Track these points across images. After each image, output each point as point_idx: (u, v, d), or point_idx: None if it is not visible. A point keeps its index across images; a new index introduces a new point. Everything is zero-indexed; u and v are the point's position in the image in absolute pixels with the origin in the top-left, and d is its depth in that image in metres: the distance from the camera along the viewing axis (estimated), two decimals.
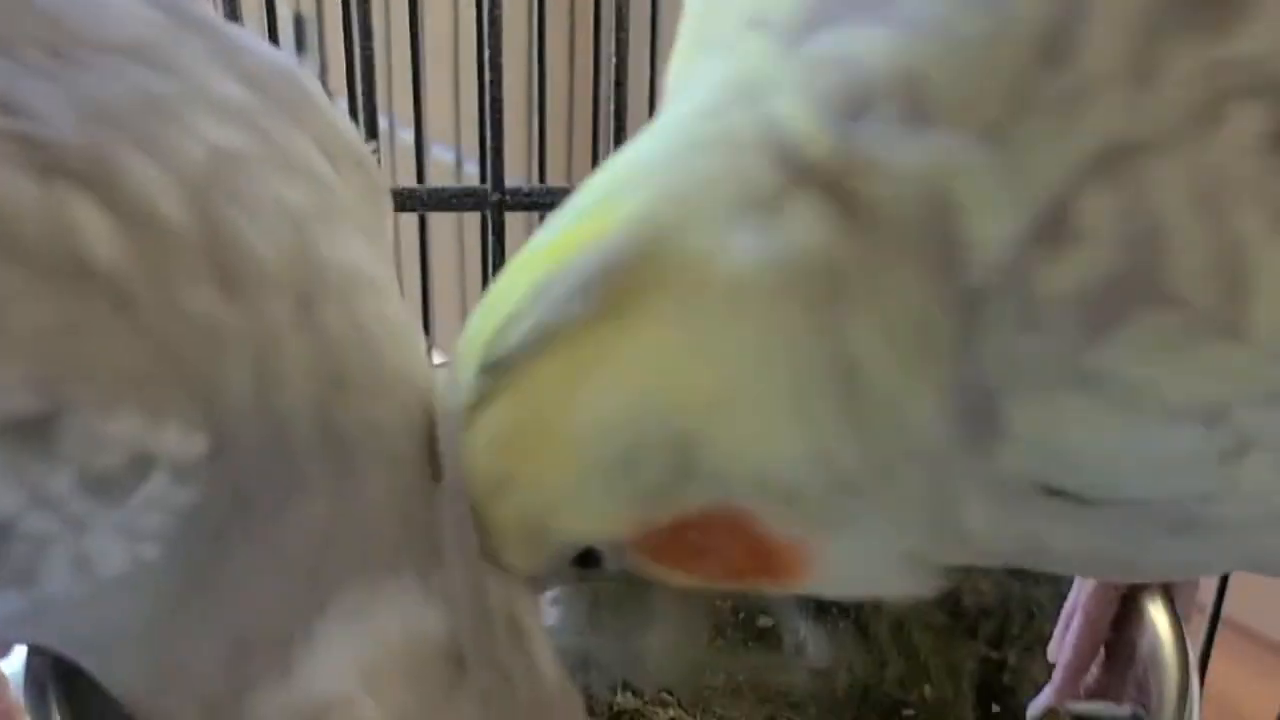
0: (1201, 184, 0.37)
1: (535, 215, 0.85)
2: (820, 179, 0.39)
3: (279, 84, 0.44)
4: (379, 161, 0.67)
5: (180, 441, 0.38)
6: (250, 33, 0.46)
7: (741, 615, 0.65)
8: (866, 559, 0.43)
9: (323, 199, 0.43)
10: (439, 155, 1.39)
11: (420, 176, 0.93)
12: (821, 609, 0.64)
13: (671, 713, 0.64)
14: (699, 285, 0.40)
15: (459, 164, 1.39)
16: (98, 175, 0.38)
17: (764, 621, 0.66)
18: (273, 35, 0.87)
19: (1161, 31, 0.37)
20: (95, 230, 0.38)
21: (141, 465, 0.38)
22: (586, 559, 0.44)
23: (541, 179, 1.00)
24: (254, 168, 0.41)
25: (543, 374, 0.41)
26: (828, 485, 0.40)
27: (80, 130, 0.38)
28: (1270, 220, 0.36)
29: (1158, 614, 0.53)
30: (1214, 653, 0.74)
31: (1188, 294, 0.37)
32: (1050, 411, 0.38)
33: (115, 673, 0.45)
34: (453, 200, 0.69)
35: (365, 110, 0.63)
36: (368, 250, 0.44)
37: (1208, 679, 0.74)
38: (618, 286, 0.40)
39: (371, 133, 0.63)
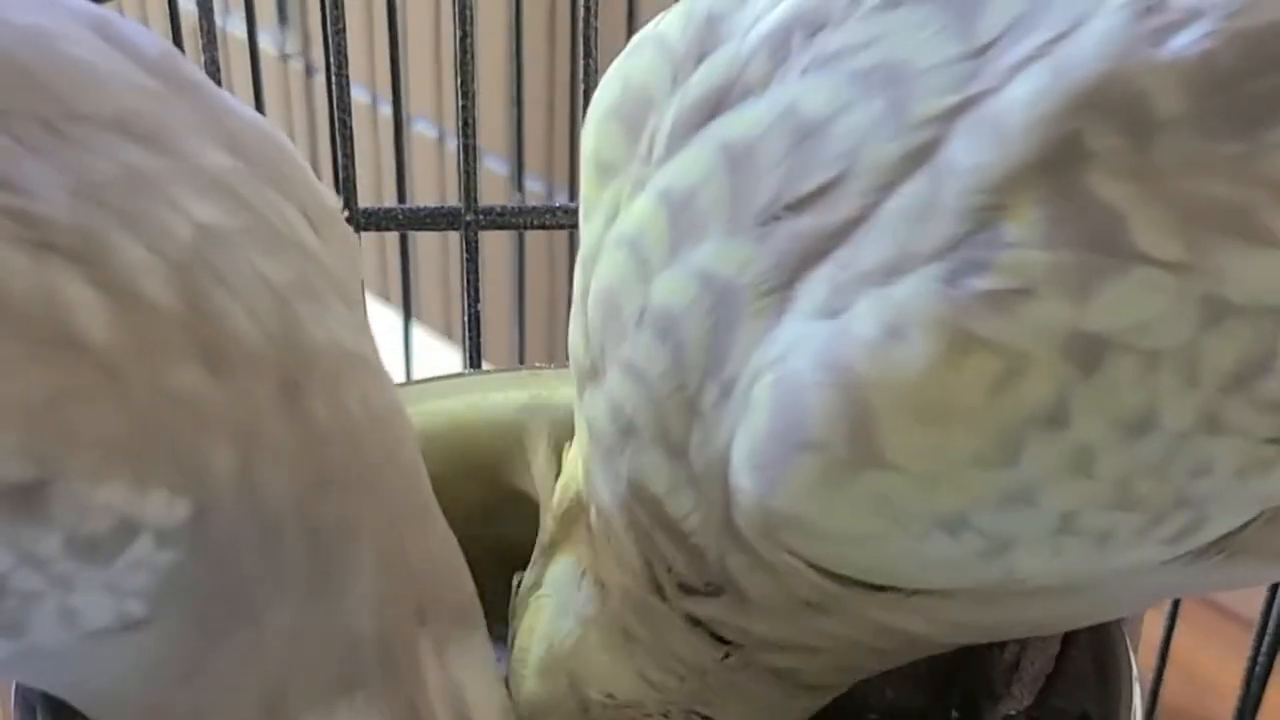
0: (831, 359, 0.41)
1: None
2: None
3: (262, 149, 0.45)
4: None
5: (164, 508, 0.39)
6: (230, 95, 0.47)
7: None
8: None
9: (308, 271, 0.43)
10: (421, 130, 1.40)
11: (399, 149, 0.94)
12: None
13: None
14: None
15: (441, 139, 1.40)
16: (88, 253, 0.39)
17: None
18: (249, 10, 0.88)
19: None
20: (85, 307, 0.38)
21: (127, 530, 0.39)
22: None
23: (519, 163, 1.01)
24: (240, 245, 0.41)
25: None
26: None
27: (72, 208, 0.39)
28: (919, 359, 0.40)
29: (1104, 633, 0.53)
30: (1181, 626, 0.74)
31: (824, 439, 0.41)
32: (804, 536, 0.44)
33: (101, 714, 0.46)
34: (428, 220, 0.70)
35: (336, 77, 0.63)
36: (352, 321, 0.44)
37: (1175, 651, 0.75)
38: None
39: (344, 103, 0.63)
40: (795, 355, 0.42)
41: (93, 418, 0.38)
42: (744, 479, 0.43)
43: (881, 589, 0.45)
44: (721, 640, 0.49)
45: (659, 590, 0.49)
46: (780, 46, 0.44)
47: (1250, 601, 0.68)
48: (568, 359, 0.51)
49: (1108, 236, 0.39)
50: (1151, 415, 0.40)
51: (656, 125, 0.46)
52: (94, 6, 0.45)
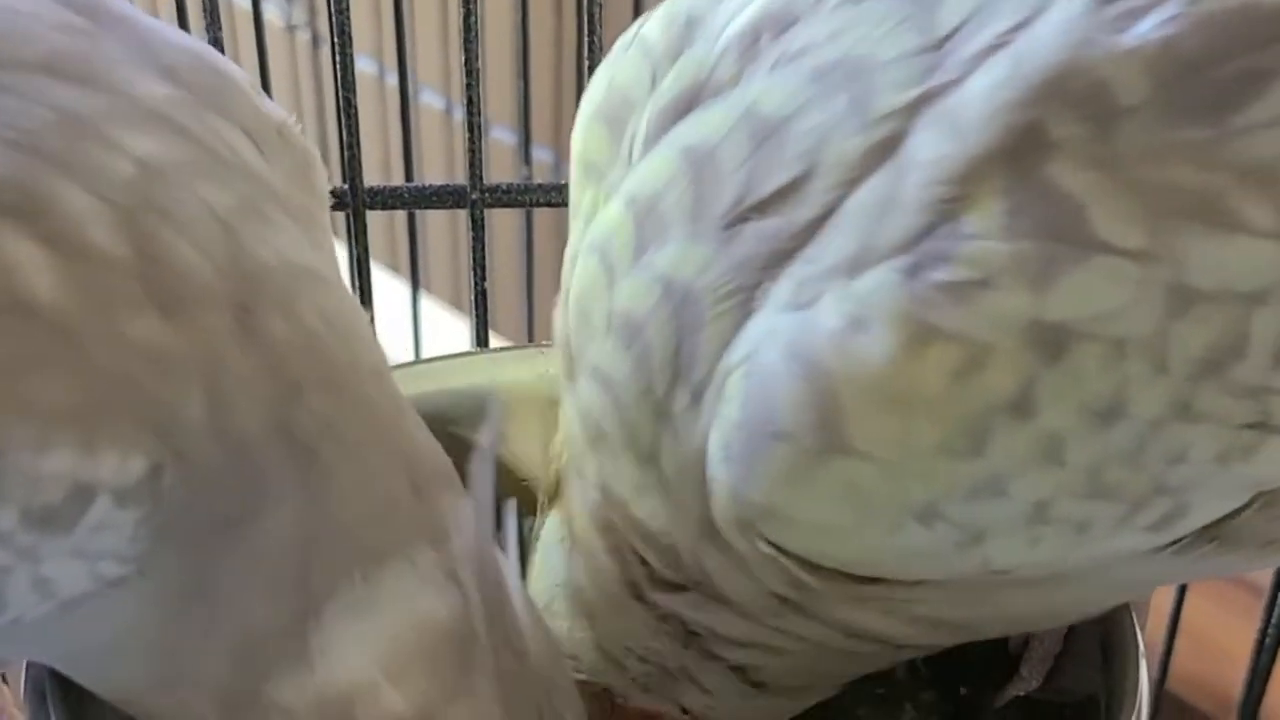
0: (798, 350, 0.41)
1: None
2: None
3: (199, 74, 0.44)
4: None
5: (117, 469, 0.38)
6: (164, 22, 0.46)
7: None
8: None
9: (253, 193, 0.43)
10: (429, 101, 1.40)
11: (405, 123, 0.93)
12: None
13: None
14: None
15: (449, 110, 1.39)
16: (28, 207, 0.38)
17: None
18: None
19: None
20: (29, 266, 0.38)
21: (82, 495, 0.38)
22: None
23: (526, 135, 1.00)
24: (182, 175, 0.41)
25: None
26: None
27: (6, 161, 0.38)
28: (882, 351, 0.40)
29: (1112, 610, 0.53)
30: (1192, 593, 0.74)
31: (793, 428, 0.41)
32: (779, 527, 0.44)
33: (111, 680, 0.46)
34: (434, 198, 0.70)
35: (341, 55, 0.63)
36: (302, 237, 0.44)
37: (1187, 618, 0.75)
38: None
39: (348, 81, 0.63)
40: (764, 347, 0.42)
41: (40, 385, 0.37)
42: (719, 471, 0.43)
43: (862, 581, 0.45)
44: (687, 632, 0.50)
45: (630, 582, 0.49)
46: (749, 46, 0.44)
47: (1263, 570, 0.68)
48: None
49: (1068, 226, 0.39)
50: (1120, 403, 0.40)
51: (635, 128, 0.46)
52: None
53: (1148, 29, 0.39)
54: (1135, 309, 0.39)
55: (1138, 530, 0.43)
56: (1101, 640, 0.52)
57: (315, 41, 1.41)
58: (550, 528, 0.51)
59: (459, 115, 1.34)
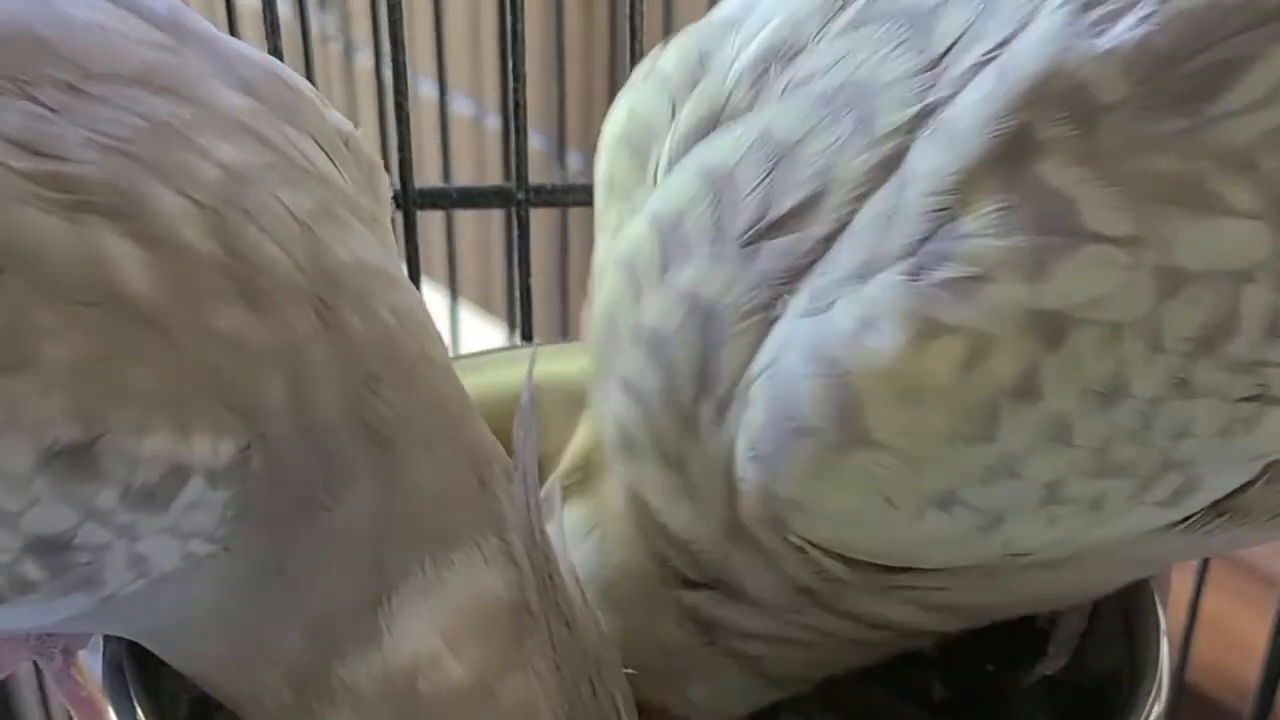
0: (815, 351, 0.44)
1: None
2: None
3: (274, 88, 0.46)
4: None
5: (210, 451, 0.41)
6: (238, 40, 0.48)
7: None
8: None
9: (329, 197, 0.45)
10: (459, 107, 1.42)
11: (444, 130, 0.96)
12: None
13: None
14: None
15: (480, 116, 1.41)
16: (123, 207, 0.41)
17: None
18: None
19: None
20: (126, 262, 0.40)
21: (177, 475, 0.41)
22: None
23: (561, 138, 1.03)
24: (264, 179, 0.43)
25: None
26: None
27: (103, 164, 0.41)
28: (891, 347, 0.43)
29: (1134, 591, 0.54)
30: (1209, 586, 0.76)
31: (815, 424, 0.44)
32: (807, 519, 0.46)
33: (190, 656, 0.48)
34: (479, 199, 0.72)
35: (394, 63, 0.65)
36: (373, 239, 0.46)
37: (1204, 610, 0.77)
38: None
39: (400, 88, 0.65)
40: (785, 353, 0.44)
41: (136, 373, 0.40)
42: (746, 471, 0.46)
43: (887, 570, 0.47)
44: (708, 627, 0.52)
45: (655, 578, 0.51)
46: (760, 75, 0.47)
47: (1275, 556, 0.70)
48: None
49: (1059, 219, 0.42)
50: (1121, 383, 0.42)
51: (659, 152, 0.49)
52: None
53: (1123, 30, 0.42)
54: (1127, 293, 0.42)
55: (1150, 506, 0.45)
56: (1124, 619, 0.54)
57: (348, 51, 1.43)
58: (577, 520, 0.53)
59: (489, 122, 1.37)
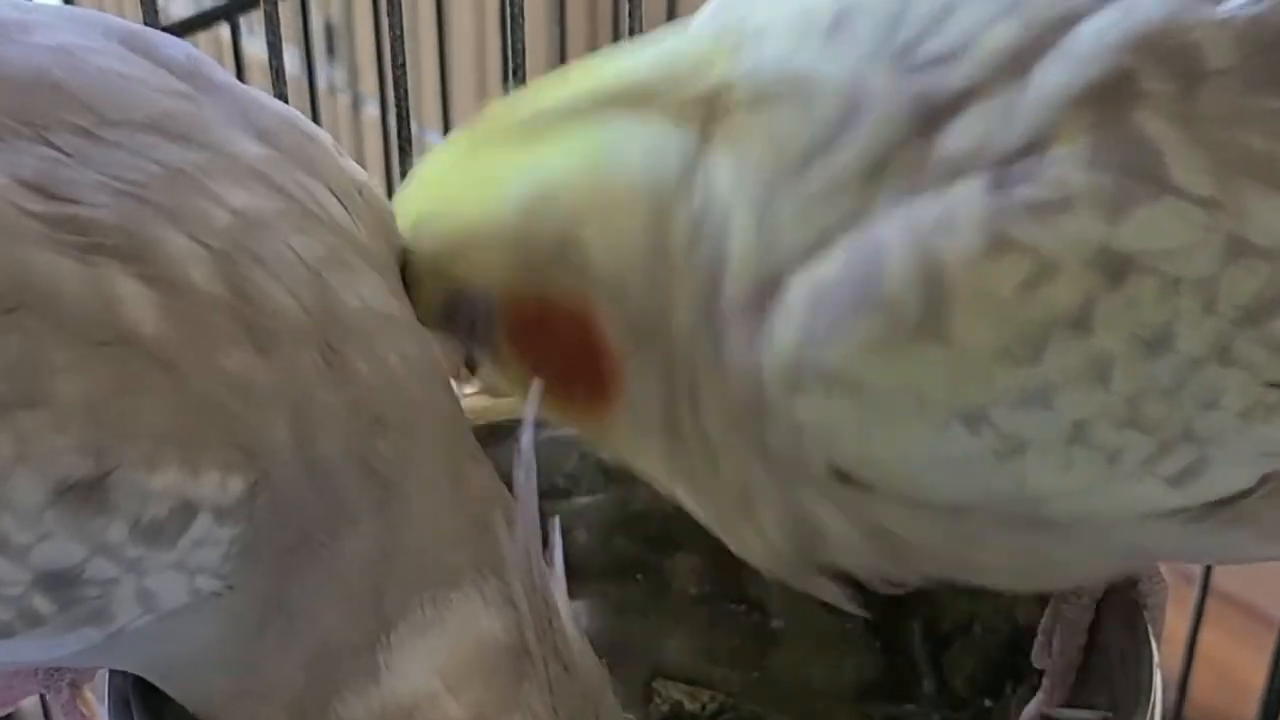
0: (908, 233, 0.45)
1: None
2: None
3: (291, 136, 0.48)
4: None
5: (218, 488, 0.42)
6: (259, 90, 0.50)
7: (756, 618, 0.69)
8: (644, 428, 0.52)
9: (340, 243, 0.46)
10: None
11: None
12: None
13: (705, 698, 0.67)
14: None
15: None
16: (135, 250, 0.42)
17: (776, 624, 0.69)
18: (307, 42, 0.91)
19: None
20: (136, 302, 0.41)
21: (185, 511, 0.42)
22: (462, 319, 0.52)
23: None
24: (275, 225, 0.44)
25: (496, 144, 0.52)
26: (645, 298, 0.49)
27: (116, 208, 0.42)
28: (967, 250, 0.44)
29: (1128, 621, 0.56)
30: (1208, 624, 0.77)
31: (896, 301, 0.44)
32: (824, 412, 0.46)
33: (193, 690, 0.49)
34: None
35: (398, 115, 0.66)
36: (384, 285, 0.47)
37: (1202, 649, 0.78)
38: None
39: (404, 137, 0.67)
40: (879, 223, 0.45)
41: (146, 409, 0.41)
42: (799, 318, 0.46)
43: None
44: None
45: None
46: None
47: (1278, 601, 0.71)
48: None
49: (1145, 167, 0.43)
50: (1168, 336, 0.44)
51: None
52: (125, 23, 0.48)
53: (1238, 5, 0.44)
54: (1196, 251, 0.44)
55: (1158, 480, 0.46)
56: (1119, 654, 0.55)
57: (356, 103, 1.45)
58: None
59: None
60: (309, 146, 0.48)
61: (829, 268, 0.46)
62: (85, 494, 0.41)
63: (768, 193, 0.47)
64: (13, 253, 0.40)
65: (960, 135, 0.45)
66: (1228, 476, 0.47)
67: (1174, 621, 0.75)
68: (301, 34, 0.90)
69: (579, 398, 0.51)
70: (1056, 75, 0.45)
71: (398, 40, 0.66)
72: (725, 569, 0.64)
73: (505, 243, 0.50)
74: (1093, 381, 0.44)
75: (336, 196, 0.47)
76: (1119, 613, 0.56)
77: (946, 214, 0.44)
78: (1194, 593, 0.75)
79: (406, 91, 0.65)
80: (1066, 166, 0.44)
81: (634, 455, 0.53)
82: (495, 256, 0.51)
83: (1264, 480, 0.47)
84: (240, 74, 0.80)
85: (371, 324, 0.45)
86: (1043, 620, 0.58)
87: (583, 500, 0.65)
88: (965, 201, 0.44)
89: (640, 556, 0.66)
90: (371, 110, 1.36)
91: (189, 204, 0.43)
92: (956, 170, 0.45)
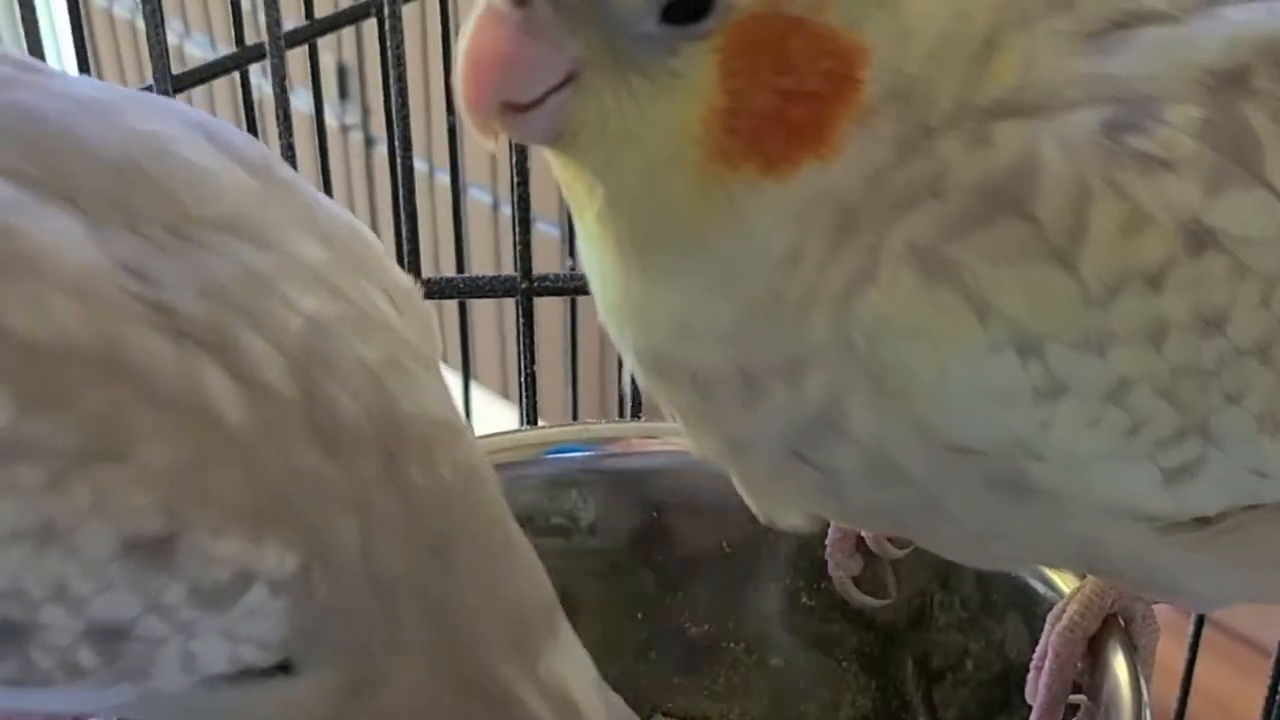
0: (1075, 144, 0.46)
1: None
2: None
3: (348, 240, 0.49)
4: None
5: (277, 561, 0.43)
6: (312, 187, 0.51)
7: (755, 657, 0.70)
8: (814, 203, 0.47)
9: (395, 348, 0.48)
10: (476, 197, 1.45)
11: (458, 219, 0.99)
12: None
13: None
14: None
15: (495, 206, 1.45)
16: (220, 344, 0.44)
17: (775, 662, 0.70)
18: (316, 85, 0.93)
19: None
20: (222, 391, 0.43)
21: (244, 579, 0.43)
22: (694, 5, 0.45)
23: (570, 229, 1.05)
24: (339, 332, 0.46)
25: None
26: (920, 68, 0.46)
27: (202, 304, 0.44)
28: (1114, 184, 0.45)
29: (1117, 660, 0.57)
30: (1205, 654, 0.77)
31: (1042, 216, 0.45)
32: (895, 289, 0.46)
33: None
34: (486, 288, 0.75)
35: (402, 162, 0.68)
36: (435, 387, 0.49)
37: (1198, 679, 0.78)
38: None
39: (408, 176, 0.68)
40: (1047, 124, 0.46)
41: (221, 482, 0.43)
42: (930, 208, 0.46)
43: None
44: None
45: None
46: None
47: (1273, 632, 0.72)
48: (618, 414, 0.54)
49: (1247, 156, 0.46)
50: (1223, 319, 0.46)
51: None
52: (198, 112, 0.50)
53: None
54: (1269, 248, 0.46)
55: (1155, 472, 0.48)
56: (1110, 693, 0.56)
57: (368, 142, 1.47)
58: None
59: (505, 210, 1.40)
60: (364, 250, 0.50)
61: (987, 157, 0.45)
62: (152, 552, 0.42)
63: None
64: (113, 325, 0.42)
65: (1118, 56, 0.46)
66: (1210, 491, 0.48)
67: (1171, 652, 0.76)
68: (310, 76, 0.92)
69: (777, 139, 0.46)
70: (1204, 43, 0.47)
71: (402, 88, 0.68)
72: (725, 608, 0.66)
73: None
74: (1148, 341, 0.46)
75: (390, 298, 0.49)
76: (1110, 650, 0.57)
77: (1066, 146, 0.45)
78: (1191, 624, 0.76)
79: (409, 140, 0.67)
80: (1177, 129, 0.45)
81: (747, 234, 0.47)
82: None
83: (1224, 515, 0.49)
84: (251, 119, 0.82)
85: (427, 431, 0.47)
86: (1034, 655, 0.59)
87: (582, 539, 0.67)
88: (1082, 134, 0.45)
89: (641, 595, 0.68)
90: (382, 150, 1.38)
91: (264, 307, 0.45)
92: (1088, 91, 0.46)
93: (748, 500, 0.54)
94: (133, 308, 0.43)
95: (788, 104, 0.45)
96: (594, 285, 0.51)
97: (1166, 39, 0.47)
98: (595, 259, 0.50)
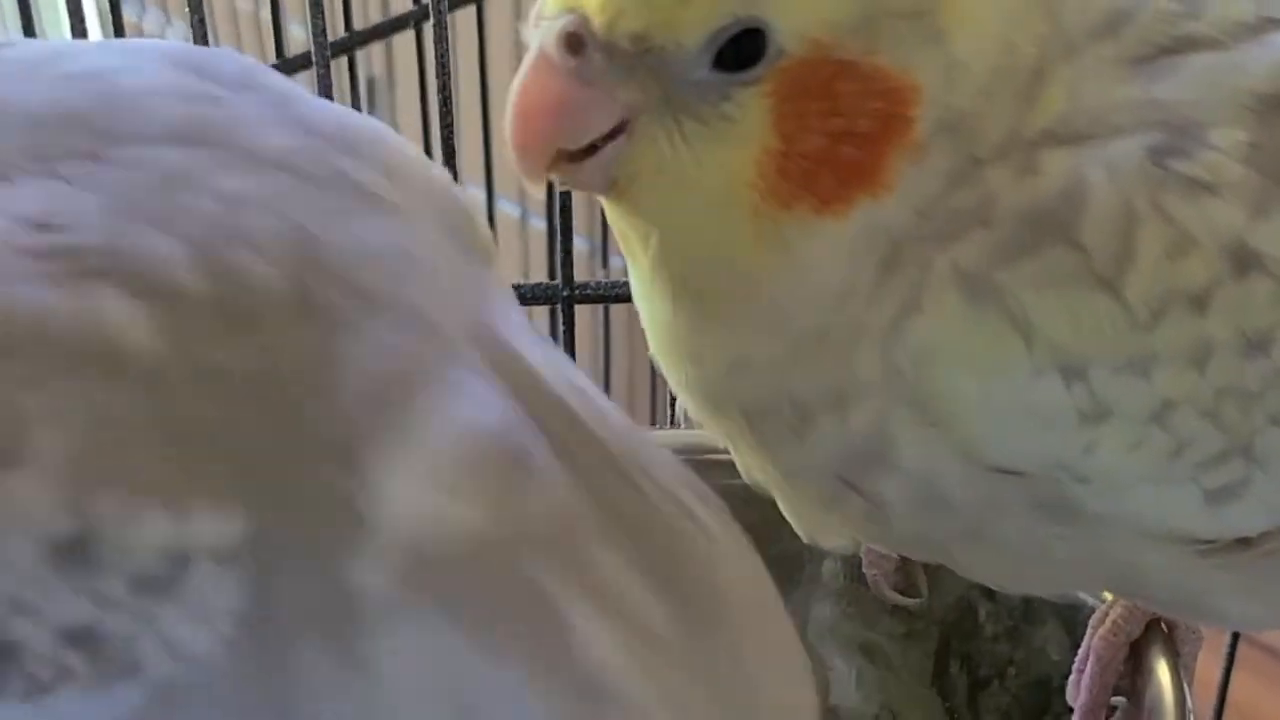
0: (1121, 170, 0.46)
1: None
2: None
3: (338, 127, 0.45)
4: None
5: (212, 529, 0.40)
6: (309, 93, 0.47)
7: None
8: (864, 244, 0.47)
9: (348, 200, 0.43)
10: (505, 210, 1.45)
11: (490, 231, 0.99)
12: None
13: None
14: None
15: (524, 218, 1.45)
16: (120, 264, 0.40)
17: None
18: (355, 96, 0.94)
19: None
20: (120, 316, 0.39)
21: (177, 561, 0.40)
22: (726, 52, 0.45)
23: (604, 240, 1.06)
24: (270, 203, 0.42)
25: None
26: (972, 103, 0.47)
27: (104, 227, 0.41)
28: (1159, 208, 0.46)
29: (1160, 665, 0.58)
30: (1238, 670, 0.78)
31: (1088, 242, 0.45)
32: (941, 315, 0.46)
33: None
34: (528, 296, 0.75)
35: (445, 165, 0.68)
36: (394, 226, 0.44)
37: (1233, 694, 0.78)
38: None
39: None
40: (1094, 149, 0.46)
41: (130, 448, 0.39)
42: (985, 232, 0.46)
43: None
44: None
45: None
46: None
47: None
48: (651, 422, 0.54)
49: None
50: (1267, 343, 0.46)
51: None
52: (185, 46, 0.47)
53: None
54: None
55: (1199, 491, 0.48)
56: (1152, 698, 0.56)
57: None
58: None
59: (534, 223, 1.40)
60: (358, 133, 0.46)
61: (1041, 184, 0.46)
62: (72, 551, 0.39)
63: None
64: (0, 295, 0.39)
65: (1165, 80, 0.47)
66: (1252, 511, 0.49)
67: (1207, 666, 0.77)
68: (350, 89, 0.93)
69: (831, 180, 0.46)
70: (1252, 68, 0.47)
71: (446, 97, 0.68)
72: None
73: None
74: (1191, 364, 0.46)
75: (387, 177, 0.45)
76: (1153, 655, 0.57)
77: (1110, 168, 0.46)
78: (1226, 638, 0.76)
79: (455, 148, 0.67)
80: (1222, 153, 0.46)
81: (801, 272, 0.48)
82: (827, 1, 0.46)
83: (1266, 536, 0.49)
84: None
85: (352, 255, 0.42)
86: (1076, 658, 0.59)
87: None
88: (1123, 162, 0.46)
89: None
90: None
91: (177, 202, 0.42)
92: (1144, 118, 0.46)
93: (792, 522, 0.54)
94: (24, 266, 0.40)
95: (840, 144, 0.46)
96: (646, 324, 0.52)
97: (1213, 65, 0.47)
98: (648, 300, 0.51)
